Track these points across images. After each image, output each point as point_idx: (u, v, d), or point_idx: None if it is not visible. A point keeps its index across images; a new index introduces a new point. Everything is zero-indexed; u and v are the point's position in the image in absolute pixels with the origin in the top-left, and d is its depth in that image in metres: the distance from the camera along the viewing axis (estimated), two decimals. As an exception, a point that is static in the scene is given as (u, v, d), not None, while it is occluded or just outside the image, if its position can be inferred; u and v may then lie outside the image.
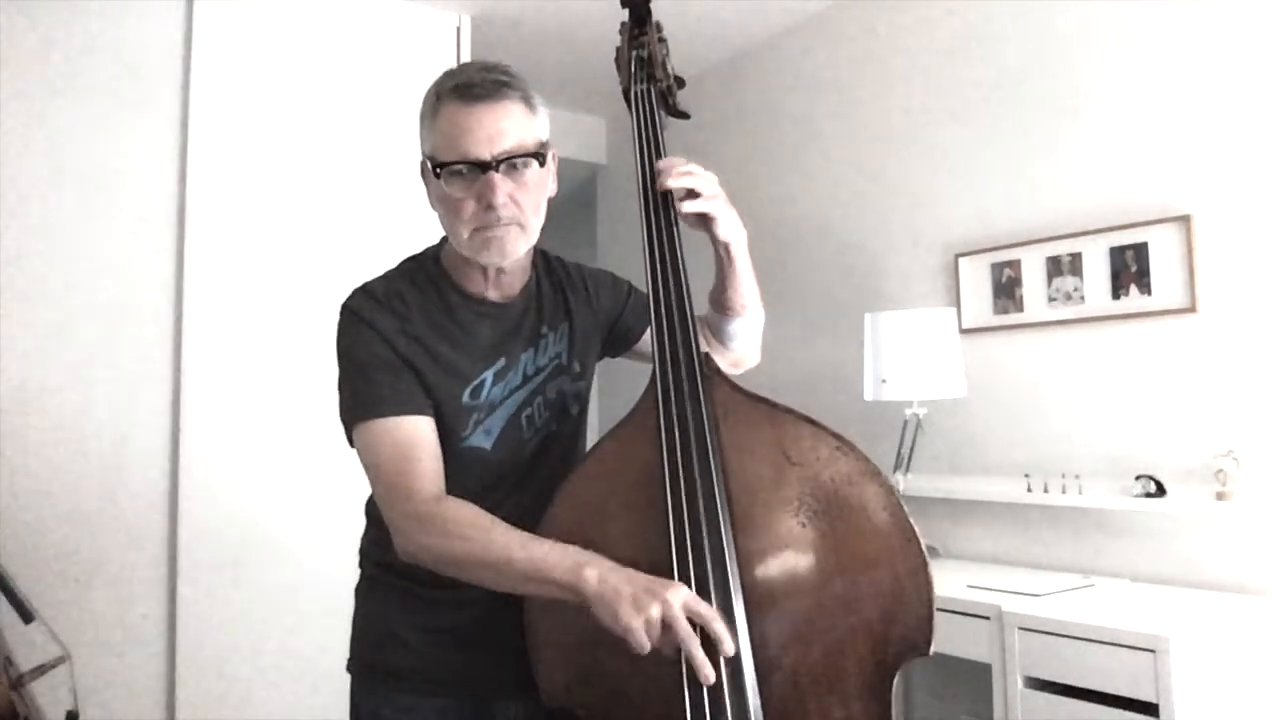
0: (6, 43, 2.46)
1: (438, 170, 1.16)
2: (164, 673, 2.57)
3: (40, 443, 2.44)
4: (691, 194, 1.20)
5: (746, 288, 1.32)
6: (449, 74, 1.20)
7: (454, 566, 1.12)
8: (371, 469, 1.17)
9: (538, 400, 1.28)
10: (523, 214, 1.18)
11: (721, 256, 1.28)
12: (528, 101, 1.19)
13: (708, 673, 0.96)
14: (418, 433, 1.17)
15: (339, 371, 1.23)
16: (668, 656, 0.98)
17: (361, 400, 1.18)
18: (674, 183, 1.19)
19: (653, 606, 0.97)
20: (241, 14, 2.82)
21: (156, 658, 2.56)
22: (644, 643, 0.96)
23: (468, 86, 1.15)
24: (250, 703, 2.64)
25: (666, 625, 0.97)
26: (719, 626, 0.98)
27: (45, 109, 2.51)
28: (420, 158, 1.22)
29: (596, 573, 1.01)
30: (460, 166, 1.15)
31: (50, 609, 1.87)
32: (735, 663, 1.01)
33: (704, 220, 1.22)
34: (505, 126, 1.15)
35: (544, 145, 1.21)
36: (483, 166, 1.14)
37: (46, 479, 2.44)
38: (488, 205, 1.15)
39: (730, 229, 1.24)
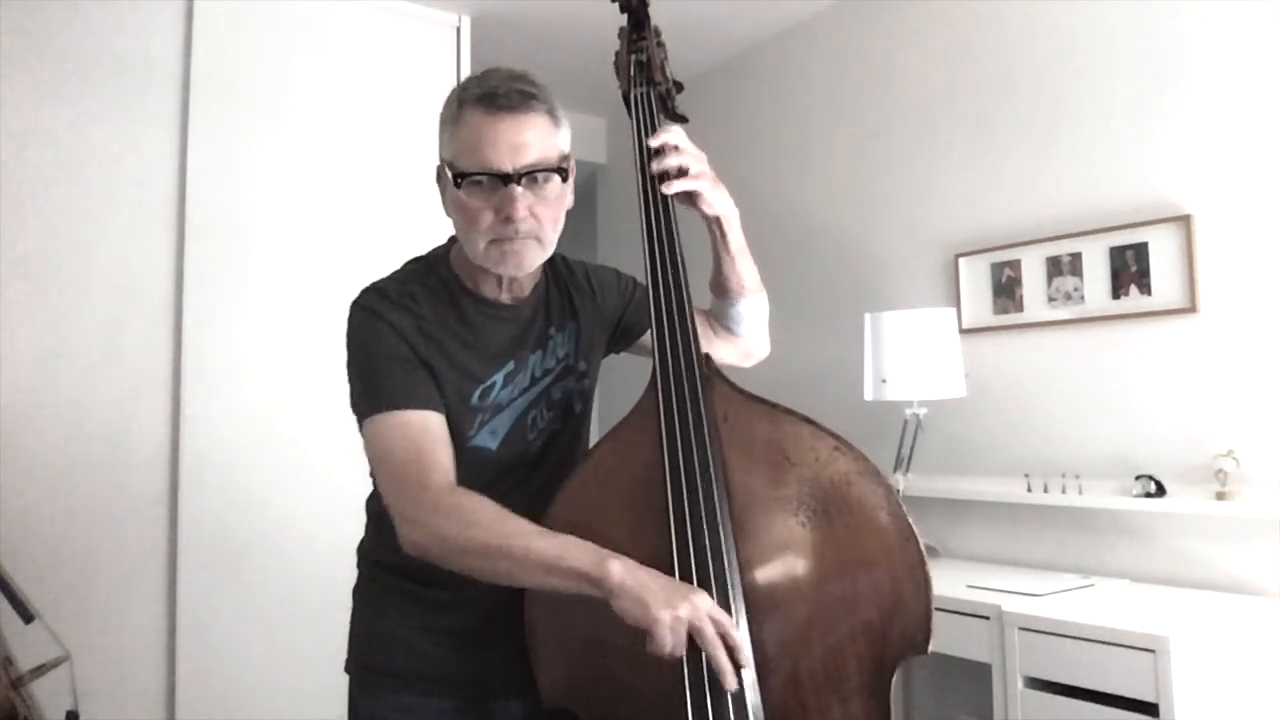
0: (7, 42, 2.46)
1: (458, 179, 1.15)
2: (164, 673, 2.57)
3: (40, 443, 2.44)
4: (680, 172, 1.20)
5: (743, 267, 1.32)
6: (474, 80, 1.18)
7: (469, 555, 1.08)
8: (382, 461, 1.16)
9: (543, 402, 1.28)
10: (541, 228, 1.17)
11: (714, 234, 1.28)
12: (552, 114, 1.18)
13: (732, 679, 0.97)
14: (431, 427, 1.16)
15: (352, 366, 1.22)
16: (667, 658, 0.98)
17: (376, 393, 1.17)
18: (667, 163, 1.20)
19: (682, 606, 0.97)
20: (241, 13, 2.82)
21: (156, 658, 2.57)
22: (667, 639, 0.96)
23: (493, 96, 1.13)
24: (250, 703, 2.64)
25: (694, 628, 0.97)
26: (737, 637, 0.98)
27: (45, 108, 2.51)
28: (438, 161, 1.21)
29: (621, 566, 1.00)
30: (480, 177, 1.14)
31: (50, 609, 1.87)
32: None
33: (688, 197, 1.23)
34: (529, 139, 1.14)
35: (565, 158, 1.19)
36: (504, 179, 1.13)
37: (47, 479, 2.44)
38: (506, 218, 1.14)
39: (718, 205, 1.24)
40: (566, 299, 1.34)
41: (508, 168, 1.13)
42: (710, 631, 0.97)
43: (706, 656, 0.97)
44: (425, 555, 1.11)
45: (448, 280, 1.26)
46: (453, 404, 1.20)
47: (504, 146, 1.13)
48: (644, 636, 0.98)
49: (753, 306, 1.37)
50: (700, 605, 0.97)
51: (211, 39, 2.76)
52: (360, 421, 1.19)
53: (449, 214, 1.21)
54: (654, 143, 1.23)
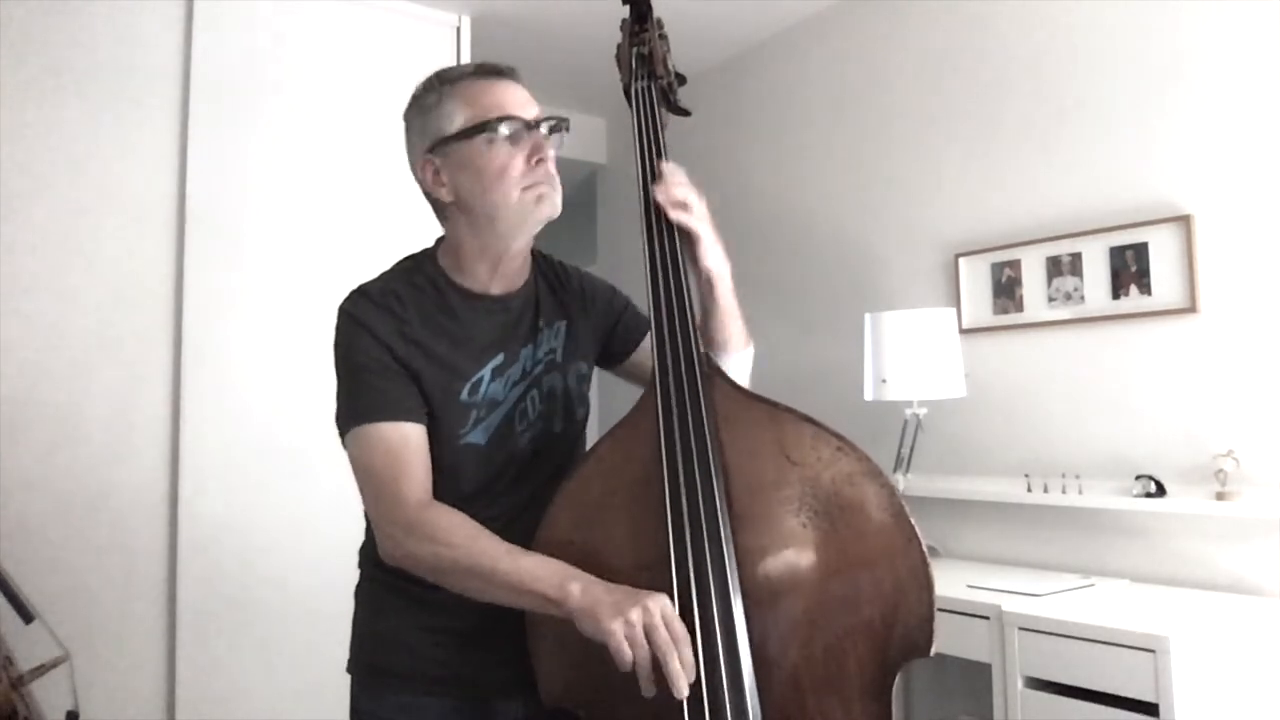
0: (6, 42, 2.46)
1: (479, 129, 1.17)
2: (164, 673, 2.57)
3: (40, 443, 2.44)
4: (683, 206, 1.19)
5: (731, 321, 1.26)
6: (448, 68, 1.25)
7: (439, 573, 1.12)
8: (362, 474, 1.18)
9: (532, 394, 1.28)
10: (556, 179, 1.22)
11: (703, 287, 1.24)
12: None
13: (682, 686, 0.95)
14: (410, 439, 1.17)
15: (336, 374, 1.23)
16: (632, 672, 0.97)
17: (355, 405, 1.19)
18: (671, 194, 1.18)
19: (632, 610, 0.97)
20: (241, 13, 2.82)
21: (156, 658, 2.56)
22: (624, 649, 0.96)
23: (486, 67, 1.21)
24: (250, 703, 2.64)
25: (648, 632, 0.96)
26: (687, 651, 0.97)
27: (45, 108, 2.51)
28: (426, 148, 1.22)
29: (580, 586, 1.01)
30: (504, 127, 1.17)
31: (50, 609, 1.87)
32: (734, 663, 1.00)
33: (688, 241, 1.19)
34: (530, 98, 1.22)
35: None
36: (527, 125, 1.19)
37: (46, 479, 2.44)
38: (539, 160, 1.19)
39: (715, 257, 1.21)
40: (556, 297, 1.35)
41: (529, 116, 1.20)
42: (662, 636, 0.96)
43: (659, 662, 0.95)
44: (401, 568, 1.15)
45: (434, 277, 1.26)
46: (441, 403, 1.20)
47: (517, 100, 1.20)
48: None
49: (737, 361, 1.29)
50: (653, 609, 0.97)
51: (211, 39, 2.76)
52: (342, 434, 1.20)
53: (457, 184, 1.21)
54: (663, 167, 1.21)
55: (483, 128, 1.18)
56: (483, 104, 1.19)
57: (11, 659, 1.76)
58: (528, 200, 1.20)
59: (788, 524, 1.06)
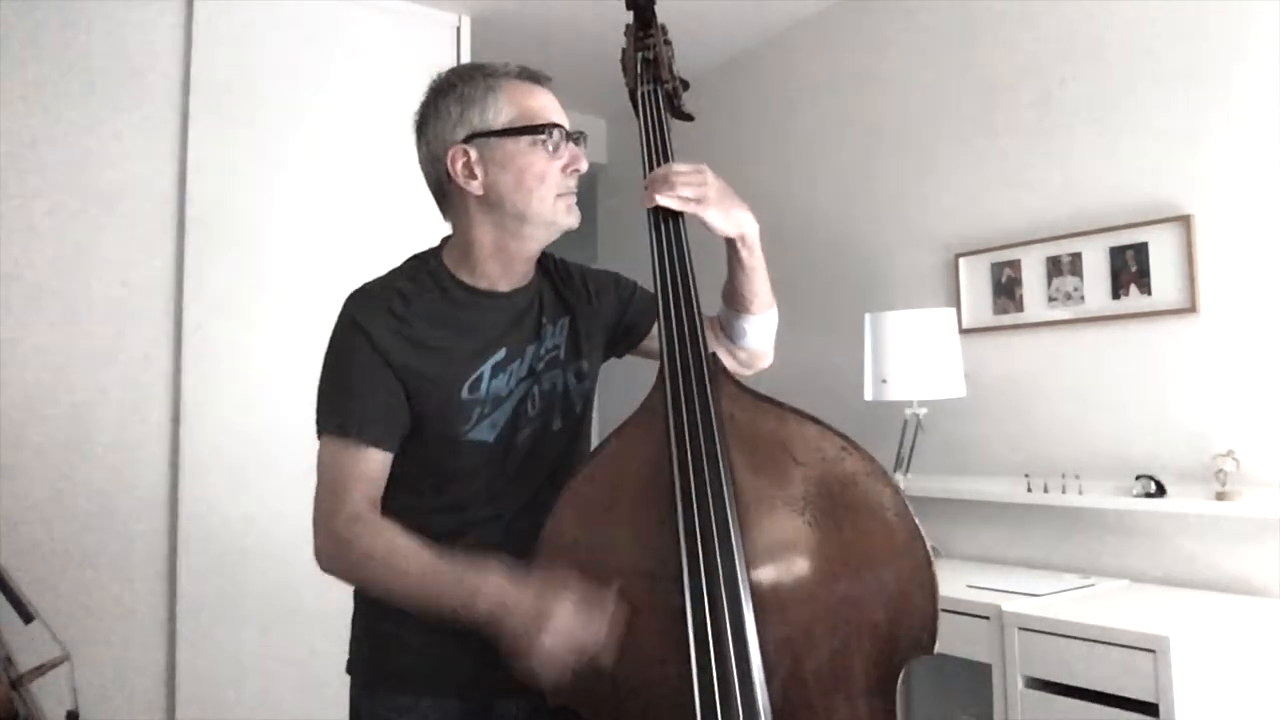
0: (6, 42, 2.46)
1: (528, 131, 1.19)
2: (164, 673, 2.57)
3: (40, 443, 2.44)
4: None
5: (757, 283, 1.31)
6: (486, 63, 1.25)
7: (362, 586, 1.21)
8: (317, 478, 1.20)
9: (535, 390, 1.28)
10: None
11: (728, 252, 1.29)
12: None
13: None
14: (365, 463, 1.18)
15: (322, 367, 1.24)
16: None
17: (332, 411, 1.21)
18: (652, 197, 1.20)
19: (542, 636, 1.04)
20: (241, 14, 2.81)
21: (156, 658, 2.56)
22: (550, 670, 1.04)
23: (529, 71, 1.23)
24: (250, 703, 2.63)
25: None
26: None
27: (45, 109, 2.50)
28: (462, 136, 1.21)
29: (491, 594, 1.07)
30: (554, 134, 1.20)
31: (50, 609, 1.87)
32: (744, 659, 1.01)
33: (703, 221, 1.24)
34: (561, 109, 1.24)
35: None
36: (568, 136, 1.23)
37: (47, 479, 2.44)
38: (574, 171, 1.22)
39: (728, 227, 1.22)
40: (558, 295, 1.35)
41: (569, 128, 1.23)
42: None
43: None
44: (334, 575, 1.19)
45: (438, 274, 1.27)
46: (442, 400, 1.21)
47: (557, 111, 1.23)
48: (647, 636, 0.99)
49: (758, 324, 1.36)
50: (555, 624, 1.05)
51: (211, 40, 2.75)
52: (316, 432, 1.23)
53: (493, 179, 1.20)
54: (645, 183, 1.22)
55: (534, 130, 1.19)
56: (530, 107, 1.21)
57: (11, 659, 1.76)
58: (560, 208, 1.22)
59: (793, 523, 1.07)
